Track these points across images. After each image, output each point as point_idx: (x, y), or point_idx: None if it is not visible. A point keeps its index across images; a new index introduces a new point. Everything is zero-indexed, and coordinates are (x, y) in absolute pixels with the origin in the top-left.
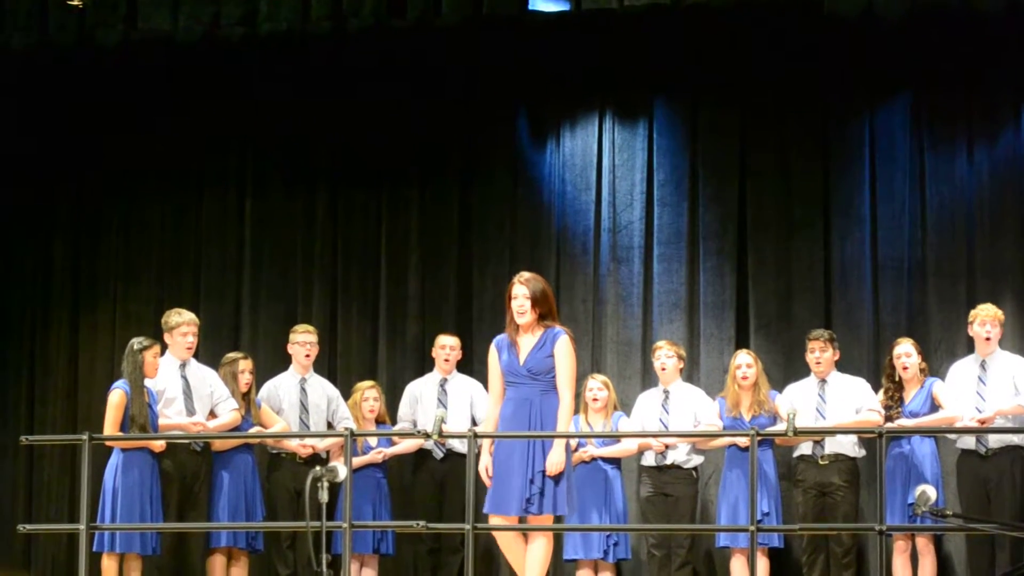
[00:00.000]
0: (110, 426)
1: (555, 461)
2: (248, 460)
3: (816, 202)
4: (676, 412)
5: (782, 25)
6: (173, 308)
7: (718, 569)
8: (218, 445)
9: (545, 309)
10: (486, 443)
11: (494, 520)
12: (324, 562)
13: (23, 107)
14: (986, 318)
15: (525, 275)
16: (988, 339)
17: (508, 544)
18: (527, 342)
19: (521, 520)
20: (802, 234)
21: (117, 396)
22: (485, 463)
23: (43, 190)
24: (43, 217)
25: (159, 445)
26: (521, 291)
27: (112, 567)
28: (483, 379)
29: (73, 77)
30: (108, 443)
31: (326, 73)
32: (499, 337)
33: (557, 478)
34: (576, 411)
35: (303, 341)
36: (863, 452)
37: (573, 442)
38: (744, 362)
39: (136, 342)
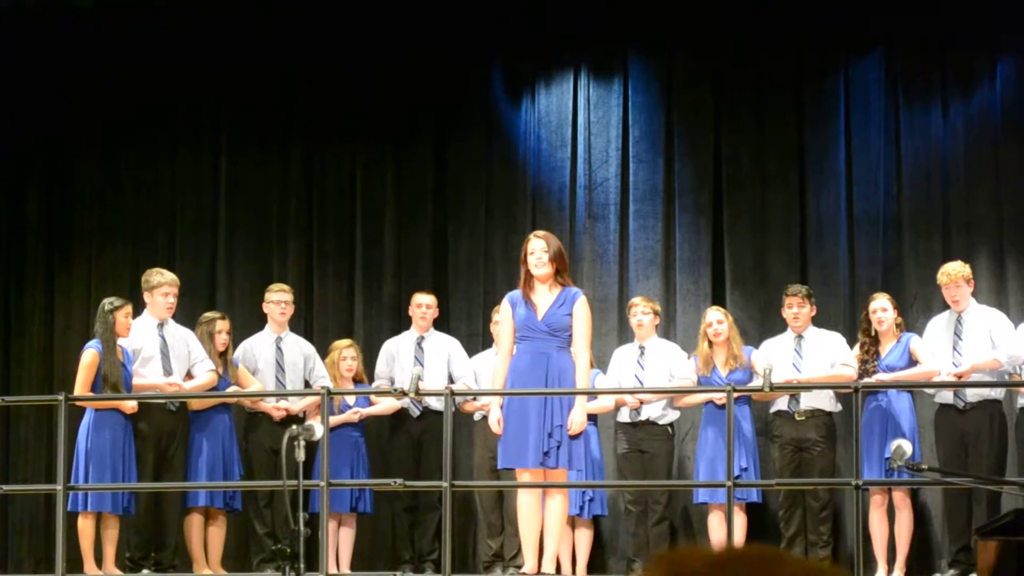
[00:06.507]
0: (82, 386)
1: (579, 420)
2: (226, 420)
3: (791, 157)
4: (651, 368)
5: None
6: (152, 268)
7: (695, 525)
8: (195, 405)
9: (561, 266)
10: (496, 397)
11: (522, 476)
12: (301, 520)
13: None
14: (948, 282)
15: (541, 232)
16: (956, 301)
17: (530, 509)
18: (544, 299)
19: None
20: (777, 189)
21: (89, 356)
22: (496, 416)
23: (16, 149)
24: (17, 176)
25: (130, 406)
26: (539, 245)
27: (88, 527)
28: (460, 336)
29: (47, 37)
30: (83, 403)
31: (299, 31)
32: (512, 293)
33: (576, 435)
34: None
35: (277, 300)
36: (839, 407)
37: None
38: (714, 319)
39: (107, 302)
